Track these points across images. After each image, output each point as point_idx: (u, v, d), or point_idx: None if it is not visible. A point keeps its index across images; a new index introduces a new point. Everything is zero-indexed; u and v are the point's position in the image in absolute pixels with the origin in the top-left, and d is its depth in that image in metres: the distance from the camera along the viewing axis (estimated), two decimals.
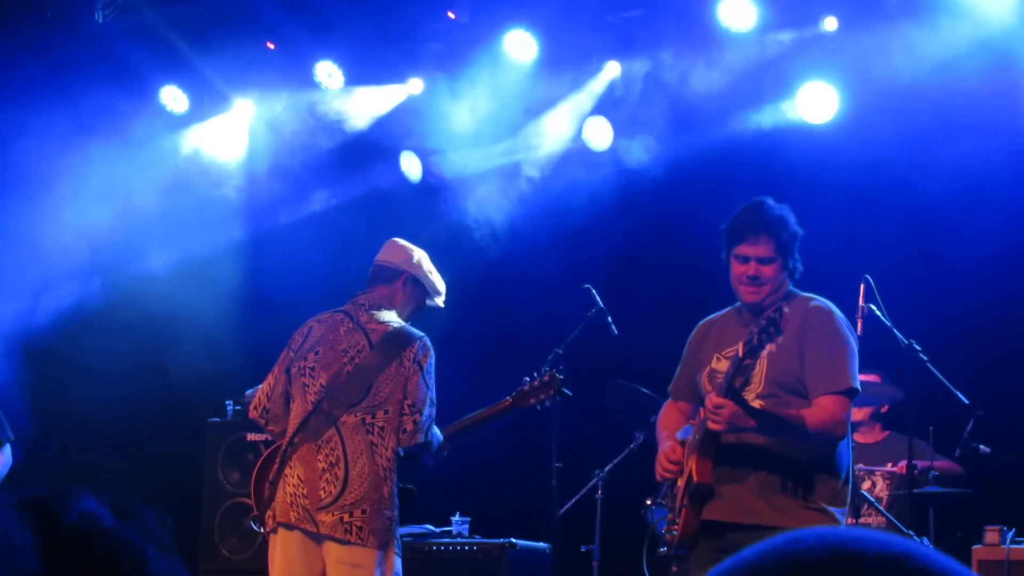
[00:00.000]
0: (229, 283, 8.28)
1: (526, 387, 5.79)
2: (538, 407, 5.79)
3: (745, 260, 4.81)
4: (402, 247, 5.65)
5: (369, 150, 8.44)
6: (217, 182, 8.55)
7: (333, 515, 5.28)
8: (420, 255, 5.65)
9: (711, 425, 4.53)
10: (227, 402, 7.10)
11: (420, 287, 5.64)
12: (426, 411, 5.39)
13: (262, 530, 5.50)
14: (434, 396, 5.45)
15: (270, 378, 5.58)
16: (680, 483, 4.77)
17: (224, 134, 8.69)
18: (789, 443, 4.66)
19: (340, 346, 5.45)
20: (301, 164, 8.44)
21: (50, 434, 7.96)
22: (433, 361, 5.46)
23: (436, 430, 5.47)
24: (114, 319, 8.22)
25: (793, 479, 4.69)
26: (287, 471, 5.38)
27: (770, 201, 4.88)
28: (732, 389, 4.51)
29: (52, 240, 8.20)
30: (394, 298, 5.59)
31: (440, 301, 5.72)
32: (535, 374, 5.81)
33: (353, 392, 5.39)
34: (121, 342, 8.22)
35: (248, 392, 6.06)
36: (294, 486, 5.34)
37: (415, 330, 5.50)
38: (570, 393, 5.83)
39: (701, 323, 5.10)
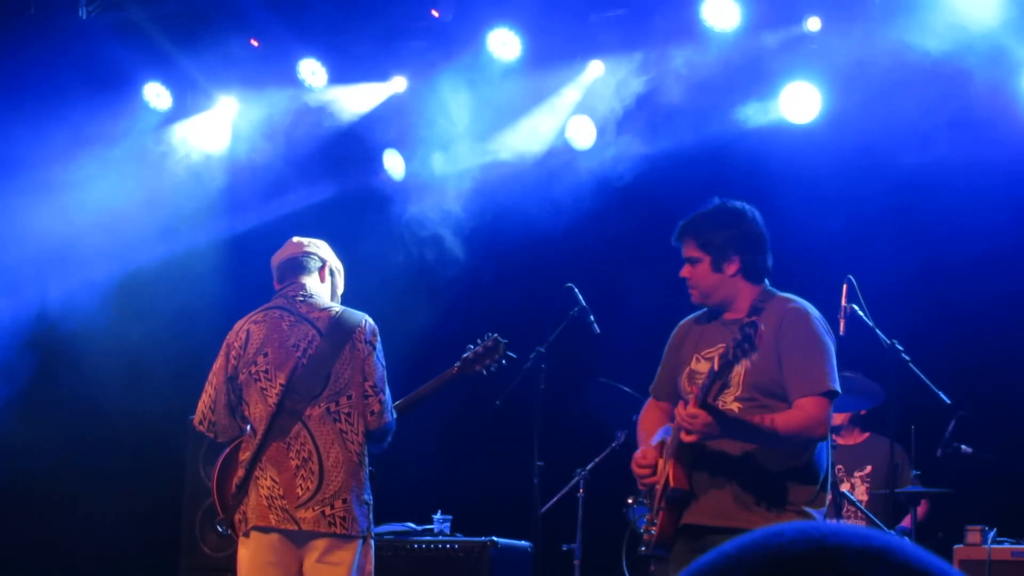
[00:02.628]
0: (211, 280, 8.28)
1: (470, 354, 5.82)
2: (484, 372, 5.83)
3: (683, 263, 4.84)
4: (305, 241, 5.62)
5: (352, 148, 8.43)
6: (200, 179, 8.49)
7: (314, 510, 5.23)
8: (321, 244, 5.65)
9: (684, 436, 4.50)
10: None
11: (334, 275, 5.64)
12: (386, 390, 5.37)
13: (228, 533, 5.42)
14: (385, 374, 5.41)
15: (209, 389, 5.50)
16: (658, 486, 4.73)
17: (207, 131, 8.66)
18: (767, 447, 4.62)
19: (289, 341, 5.39)
20: (284, 161, 8.43)
21: (37, 428, 7.90)
22: (379, 339, 5.43)
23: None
24: (96, 315, 8.17)
25: (772, 483, 4.68)
26: (257, 473, 5.30)
27: (715, 201, 4.87)
28: (705, 401, 4.47)
29: (37, 237, 8.13)
30: (317, 283, 5.57)
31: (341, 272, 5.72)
32: (478, 340, 5.83)
33: (313, 384, 5.33)
34: (103, 338, 8.18)
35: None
36: (268, 488, 5.27)
37: (357, 312, 5.47)
38: (515, 356, 5.89)
39: (682, 322, 5.07)
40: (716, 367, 4.43)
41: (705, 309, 4.97)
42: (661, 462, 4.74)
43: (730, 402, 4.63)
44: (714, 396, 4.56)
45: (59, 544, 8.30)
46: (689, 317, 5.05)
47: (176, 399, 7.68)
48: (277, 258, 5.60)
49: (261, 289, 5.84)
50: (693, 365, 4.83)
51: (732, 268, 4.78)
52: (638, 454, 4.82)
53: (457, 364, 5.81)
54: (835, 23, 7.34)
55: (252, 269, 7.70)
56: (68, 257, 8.25)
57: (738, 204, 4.86)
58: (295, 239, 5.62)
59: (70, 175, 8.22)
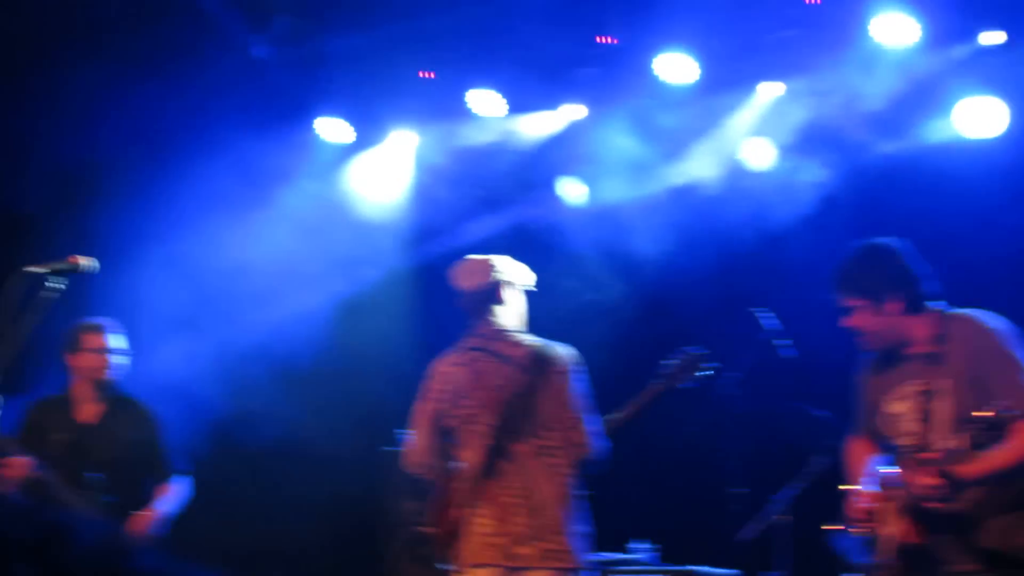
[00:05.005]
0: (396, 313, 8.38)
1: (670, 369, 5.94)
2: (686, 385, 5.94)
3: (844, 312, 4.91)
4: (477, 262, 5.71)
5: (527, 177, 8.47)
6: (378, 212, 8.60)
7: (531, 546, 5.35)
8: (494, 259, 5.72)
9: (929, 505, 4.53)
10: (398, 431, 7.13)
11: (515, 288, 5.69)
12: (589, 420, 5.45)
13: (448, 569, 5.55)
14: (590, 403, 5.51)
15: (415, 431, 5.67)
16: (882, 535, 4.72)
17: (384, 163, 8.77)
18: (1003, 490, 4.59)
19: (492, 382, 5.52)
20: (461, 191, 8.49)
21: (234, 458, 8.07)
22: (582, 369, 5.53)
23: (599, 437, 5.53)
24: (282, 353, 8.35)
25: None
26: (472, 512, 5.45)
27: (859, 245, 4.92)
28: (943, 471, 4.48)
29: (220, 273, 8.36)
30: (507, 313, 5.65)
31: (532, 285, 5.77)
32: (673, 356, 5.96)
33: (520, 422, 5.45)
34: (302, 373, 8.37)
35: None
36: (484, 526, 5.41)
37: (557, 344, 5.57)
38: (712, 371, 6.01)
39: (863, 359, 5.06)
40: (919, 417, 4.46)
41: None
42: (879, 508, 4.73)
43: (944, 444, 4.61)
44: (925, 438, 4.57)
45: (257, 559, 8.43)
46: (870, 355, 5.02)
47: (371, 432, 7.86)
48: (462, 282, 5.67)
49: (445, 320, 5.95)
50: (886, 409, 4.87)
51: (894, 307, 4.81)
52: (853, 496, 4.84)
53: (659, 380, 5.92)
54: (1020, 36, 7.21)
55: (435, 300, 7.84)
56: (249, 295, 8.44)
57: (881, 242, 4.91)
58: (474, 259, 5.70)
59: (247, 213, 8.44)
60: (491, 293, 5.61)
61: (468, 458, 5.49)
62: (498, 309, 5.62)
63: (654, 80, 7.84)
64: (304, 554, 8.30)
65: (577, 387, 5.46)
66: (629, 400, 5.91)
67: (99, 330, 6.58)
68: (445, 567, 5.59)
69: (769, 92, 8.02)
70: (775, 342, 6.63)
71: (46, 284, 4.81)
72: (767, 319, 6.65)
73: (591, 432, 5.43)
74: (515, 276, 5.70)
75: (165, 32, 8.18)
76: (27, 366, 7.06)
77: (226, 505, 8.07)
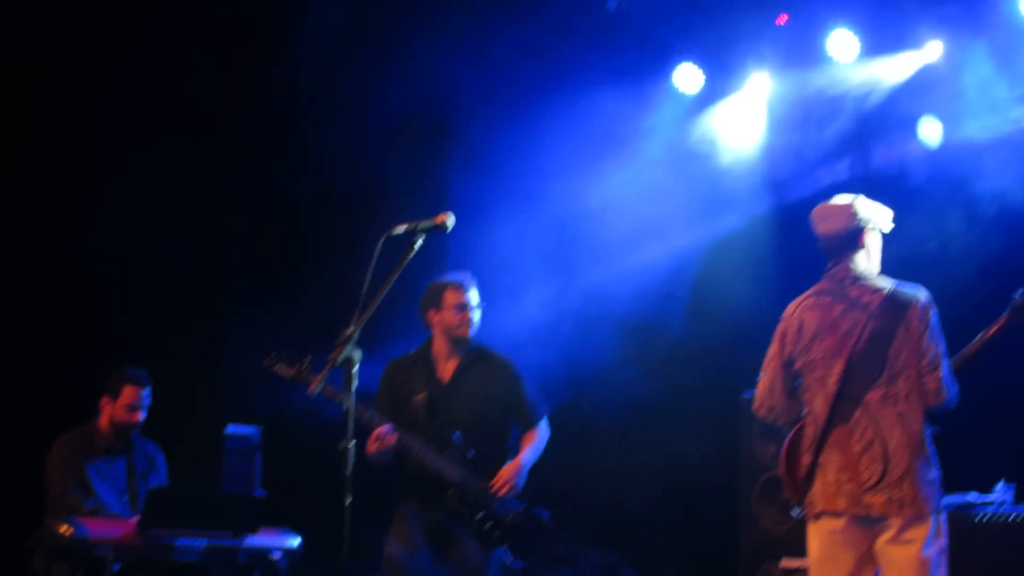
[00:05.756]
0: (754, 259, 8.37)
1: (1019, 300, 5.73)
2: None
3: None
4: (838, 206, 5.60)
5: (881, 119, 8.28)
6: (735, 160, 8.61)
7: (882, 494, 5.32)
8: (855, 201, 5.61)
9: None
10: (757, 377, 7.19)
11: (875, 232, 5.60)
12: (944, 366, 5.36)
13: (802, 515, 5.59)
14: (945, 349, 5.41)
15: (765, 375, 5.68)
16: None
17: (740, 110, 8.77)
18: None
19: (842, 328, 5.46)
20: (813, 137, 8.38)
21: (587, 409, 8.28)
22: (937, 312, 5.42)
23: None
24: (644, 296, 8.46)
25: None
26: (823, 459, 5.45)
27: None
28: None
29: (577, 225, 8.56)
30: (865, 258, 5.57)
31: (888, 226, 5.66)
32: None
33: (870, 368, 5.40)
34: (651, 315, 8.47)
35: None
36: (835, 472, 5.41)
37: (911, 286, 5.48)
38: None
39: None
40: None
41: None
42: None
43: None
44: None
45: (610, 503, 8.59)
46: None
47: (727, 376, 7.88)
48: (822, 226, 5.63)
49: (804, 265, 5.93)
50: None
51: None
52: None
53: (1006, 312, 5.79)
54: None
55: (790, 247, 7.82)
56: (606, 246, 8.60)
57: None
58: (838, 201, 5.64)
59: (604, 165, 8.56)
60: (850, 237, 5.55)
61: (818, 404, 5.49)
62: (855, 253, 5.56)
63: (1012, 14, 7.54)
64: (659, 506, 8.41)
65: (931, 332, 5.38)
66: (978, 335, 5.83)
67: (461, 287, 6.62)
68: (798, 513, 5.65)
69: None
70: None
71: (409, 242, 4.92)
72: None
73: (945, 378, 5.35)
74: (875, 219, 5.62)
75: None
76: (387, 324, 7.51)
77: (579, 455, 8.27)
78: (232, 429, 8.64)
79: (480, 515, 6.46)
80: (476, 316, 6.69)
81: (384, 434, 6.34)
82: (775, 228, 8.50)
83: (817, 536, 5.47)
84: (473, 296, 6.69)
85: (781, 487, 5.88)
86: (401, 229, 4.92)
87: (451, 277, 6.77)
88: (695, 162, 8.71)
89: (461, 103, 9.02)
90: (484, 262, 7.40)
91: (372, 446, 6.35)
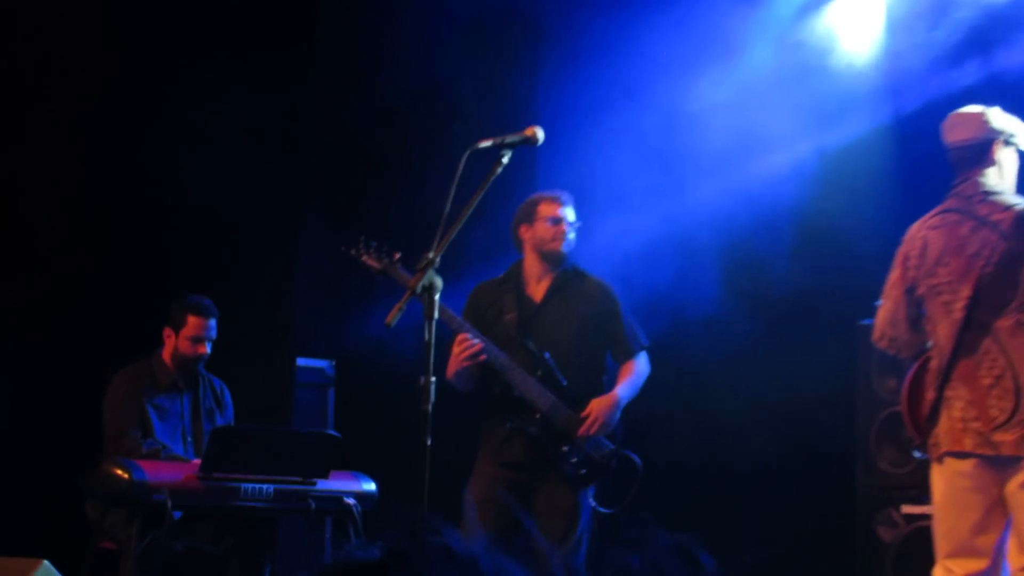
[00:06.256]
0: (871, 174, 8.21)
1: None
2: None
3: None
4: (969, 115, 5.48)
5: (1013, 17, 8.04)
6: (851, 64, 8.43)
7: (1013, 432, 5.20)
8: (989, 111, 5.47)
9: None
10: (876, 303, 7.09)
11: (1009, 144, 5.46)
12: None
13: (924, 456, 5.51)
14: None
15: (887, 303, 5.58)
16: None
17: (856, 10, 8.58)
18: None
19: (969, 250, 5.35)
20: (941, 39, 8.18)
21: (683, 340, 8.24)
22: None
23: None
24: (750, 217, 8.37)
25: None
26: (948, 394, 5.34)
27: None
28: None
29: (676, 139, 8.47)
30: (996, 172, 5.44)
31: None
32: None
33: (1000, 294, 5.29)
34: (755, 238, 8.39)
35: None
36: (961, 409, 5.29)
37: None
38: None
39: None
40: None
41: None
42: None
43: None
44: None
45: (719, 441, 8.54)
46: None
47: (841, 303, 7.77)
48: (950, 136, 5.51)
49: (929, 182, 5.81)
50: None
51: None
52: None
53: None
54: None
55: (913, 161, 7.67)
56: (707, 160, 8.47)
57: None
58: (965, 111, 5.52)
59: (706, 72, 8.42)
60: (981, 150, 5.44)
61: (942, 333, 5.38)
62: (986, 168, 5.44)
63: None
64: (767, 449, 8.31)
65: None
66: None
67: (557, 199, 6.60)
68: (920, 454, 5.55)
69: None
70: None
71: (495, 158, 4.96)
72: None
73: None
74: (1010, 131, 5.49)
75: None
76: (471, 249, 7.47)
77: (676, 396, 8.26)
78: (303, 362, 8.74)
79: (566, 449, 6.42)
80: (572, 233, 6.63)
81: (470, 339, 6.31)
82: (896, 140, 8.26)
83: (942, 479, 5.38)
84: (569, 212, 6.64)
85: (902, 425, 5.81)
86: (487, 144, 4.92)
87: (545, 192, 6.73)
88: (807, 66, 8.50)
89: (549, 0, 8.92)
90: (575, 182, 7.26)
91: (456, 354, 6.32)
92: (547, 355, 6.48)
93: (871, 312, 7.15)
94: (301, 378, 8.68)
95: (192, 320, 7.16)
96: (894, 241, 5.70)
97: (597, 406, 6.48)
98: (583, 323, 6.61)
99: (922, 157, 7.25)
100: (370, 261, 6.36)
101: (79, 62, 8.55)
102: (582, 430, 6.44)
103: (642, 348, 6.72)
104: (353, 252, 6.41)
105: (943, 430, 5.34)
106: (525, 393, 6.42)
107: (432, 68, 8.85)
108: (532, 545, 2.57)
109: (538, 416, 6.44)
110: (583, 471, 6.46)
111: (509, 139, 4.95)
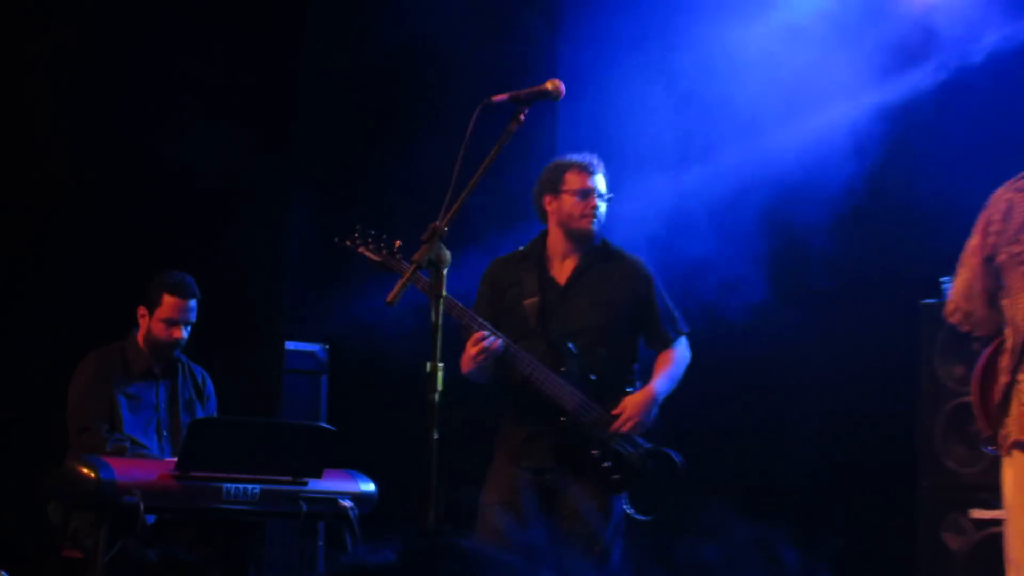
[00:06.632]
0: (938, 134, 7.92)
1: None
2: None
3: None
4: None
5: None
6: (916, 6, 8.14)
7: None
8: None
9: None
10: (943, 279, 6.88)
11: None
12: None
13: (996, 452, 5.25)
14: None
15: (963, 272, 5.35)
16: None
17: None
18: None
19: None
20: None
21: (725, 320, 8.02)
22: None
23: None
24: (795, 180, 8.11)
25: None
26: (1020, 376, 5.09)
27: None
28: None
29: (718, 94, 8.24)
30: None
31: None
32: None
33: None
34: (804, 206, 8.12)
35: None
36: None
37: None
38: None
39: None
40: None
41: None
42: None
43: None
44: None
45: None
46: None
47: (905, 280, 7.60)
48: None
49: (1005, 141, 5.62)
50: None
51: None
52: None
53: None
54: None
55: (1002, 117, 7.41)
56: (751, 118, 8.21)
57: None
58: None
59: (751, 18, 8.14)
60: None
61: (1020, 308, 5.13)
62: None
63: None
64: (820, 446, 8.11)
65: None
66: None
67: (587, 168, 6.36)
68: (990, 449, 5.30)
69: None
70: None
71: (512, 114, 4.80)
72: None
73: None
74: None
75: None
76: (484, 218, 7.28)
77: (716, 390, 8.02)
78: (293, 346, 8.65)
79: (597, 452, 6.18)
80: (602, 207, 6.37)
81: (487, 338, 6.10)
82: (966, 95, 7.92)
83: (1012, 473, 5.16)
84: (600, 182, 6.38)
85: (972, 417, 5.60)
86: (502, 98, 4.78)
87: (576, 157, 6.45)
88: (865, 8, 8.18)
89: None
90: (599, 143, 6.94)
91: (471, 354, 6.12)
92: (572, 347, 6.24)
93: (936, 291, 6.94)
94: (290, 364, 8.55)
95: (168, 300, 6.97)
96: (963, 211, 5.46)
97: (631, 403, 6.23)
98: (614, 310, 6.37)
99: (998, 114, 7.00)
100: (368, 253, 6.18)
101: (51, 33, 8.45)
102: (613, 428, 6.20)
103: (681, 335, 6.48)
104: (348, 243, 6.23)
105: (1014, 419, 5.10)
106: (549, 392, 6.18)
107: (435, 19, 8.60)
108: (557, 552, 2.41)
109: (563, 418, 6.20)
110: (616, 476, 6.20)
111: (526, 93, 4.80)
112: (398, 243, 6.11)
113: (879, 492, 7.87)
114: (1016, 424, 5.09)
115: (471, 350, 6.11)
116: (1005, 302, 5.22)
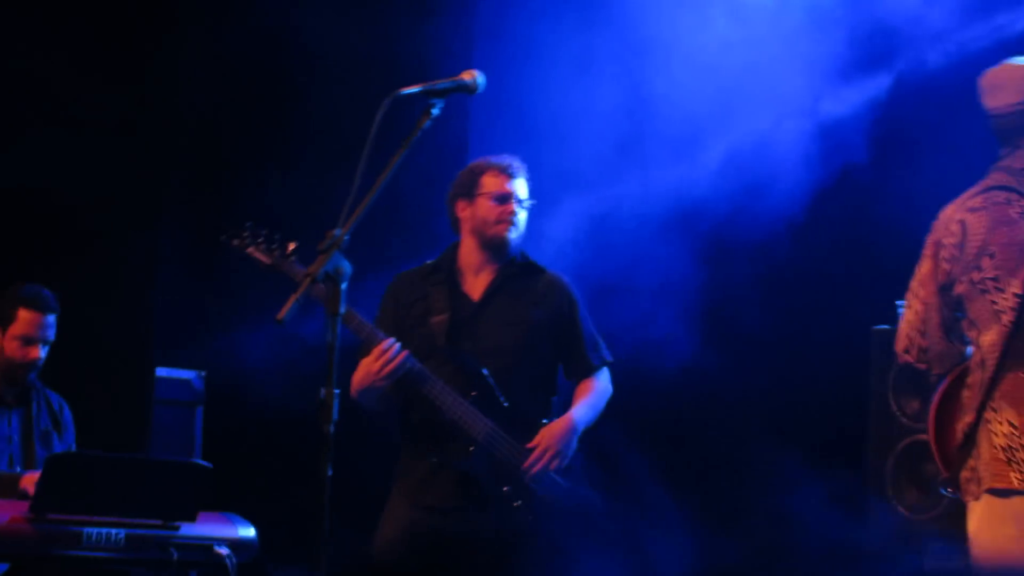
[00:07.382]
0: (892, 145, 8.12)
1: None
2: None
3: None
4: (1017, 71, 5.42)
5: None
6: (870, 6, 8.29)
7: None
8: None
9: None
10: (898, 303, 7.03)
11: None
12: None
13: (955, 495, 5.42)
14: None
15: (915, 303, 5.51)
16: None
17: None
18: None
19: (1021, 237, 5.28)
20: None
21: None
22: None
23: None
24: (734, 191, 8.23)
25: None
26: (988, 415, 5.25)
27: None
28: None
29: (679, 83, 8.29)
30: None
31: None
32: None
33: None
34: (743, 221, 8.27)
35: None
36: (1006, 436, 5.22)
37: None
38: None
39: None
40: None
41: None
42: None
43: None
44: None
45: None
46: None
47: (855, 305, 7.71)
48: (991, 100, 5.46)
49: (963, 151, 5.89)
50: None
51: None
52: None
53: None
54: None
55: (949, 122, 7.51)
56: (699, 120, 8.30)
57: None
58: (1013, 65, 5.46)
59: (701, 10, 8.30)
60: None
61: (986, 341, 5.27)
62: None
63: None
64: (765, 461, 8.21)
65: None
66: None
67: (505, 171, 6.43)
68: (950, 493, 5.44)
69: None
70: None
71: (423, 108, 4.75)
72: None
73: None
74: None
75: None
76: (395, 222, 7.31)
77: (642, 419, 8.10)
78: (164, 373, 8.64)
79: (507, 489, 6.22)
80: (522, 215, 6.44)
81: (389, 349, 6.10)
82: (922, 102, 8.13)
83: (980, 521, 5.30)
84: (520, 187, 6.46)
85: (926, 458, 5.97)
86: (413, 89, 4.74)
87: (494, 159, 6.50)
88: (817, 6, 8.30)
89: None
90: (519, 144, 7.01)
91: (372, 370, 6.10)
92: (484, 370, 6.28)
93: (888, 316, 7.07)
94: (161, 393, 8.57)
95: (23, 315, 7.02)
96: (922, 228, 5.60)
97: (548, 434, 6.28)
98: (532, 330, 6.42)
99: (954, 122, 7.14)
100: (257, 254, 6.17)
101: None
102: (528, 464, 6.23)
103: (605, 364, 6.57)
104: (236, 243, 6.20)
105: (983, 461, 5.24)
106: (455, 418, 6.21)
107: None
108: None
109: (472, 448, 6.22)
110: (530, 517, 6.24)
111: (440, 85, 4.78)
112: (292, 245, 6.09)
113: (824, 543, 7.80)
114: (988, 469, 5.22)
115: (374, 365, 6.09)
116: (971, 334, 5.37)
